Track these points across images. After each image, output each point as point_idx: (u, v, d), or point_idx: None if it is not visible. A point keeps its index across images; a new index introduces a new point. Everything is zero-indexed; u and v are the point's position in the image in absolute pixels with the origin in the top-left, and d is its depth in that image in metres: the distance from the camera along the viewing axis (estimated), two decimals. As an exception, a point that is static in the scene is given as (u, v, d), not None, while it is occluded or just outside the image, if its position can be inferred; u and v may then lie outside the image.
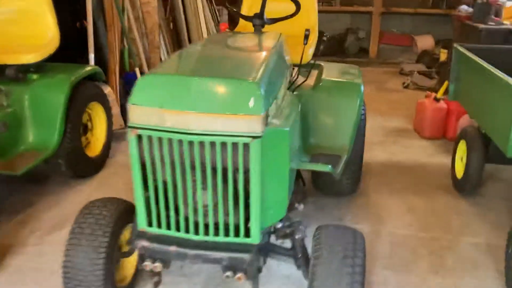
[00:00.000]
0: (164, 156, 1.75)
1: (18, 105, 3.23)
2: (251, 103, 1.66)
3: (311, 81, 3.15)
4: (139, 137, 1.77)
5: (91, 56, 4.59)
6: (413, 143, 4.49)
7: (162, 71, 1.86)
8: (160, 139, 1.73)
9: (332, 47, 8.11)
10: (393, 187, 3.62)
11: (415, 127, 4.79)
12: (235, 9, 3.15)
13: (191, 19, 5.60)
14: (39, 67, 3.49)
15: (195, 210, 1.83)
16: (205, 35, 5.69)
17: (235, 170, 1.75)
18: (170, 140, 1.71)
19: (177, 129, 1.68)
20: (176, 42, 5.68)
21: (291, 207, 2.40)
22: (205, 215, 1.82)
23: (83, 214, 2.12)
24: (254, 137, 1.67)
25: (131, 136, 1.77)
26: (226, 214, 1.83)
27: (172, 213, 1.85)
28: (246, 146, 1.69)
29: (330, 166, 2.45)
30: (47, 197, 3.37)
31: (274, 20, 2.74)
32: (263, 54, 2.07)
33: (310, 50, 3.04)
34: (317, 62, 3.46)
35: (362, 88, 3.09)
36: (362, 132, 3.29)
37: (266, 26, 2.76)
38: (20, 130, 3.21)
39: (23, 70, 3.37)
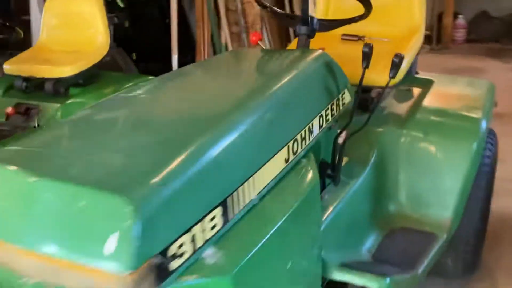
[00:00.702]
0: None
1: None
2: (110, 248, 0.80)
3: (403, 109, 2.11)
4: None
5: (174, 58, 4.06)
6: None
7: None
8: None
9: (498, 31, 6.48)
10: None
11: None
12: (274, 8, 1.89)
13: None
14: (90, 77, 3.02)
15: None
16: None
17: None
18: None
19: (5, 271, 0.91)
20: (284, 35, 4.85)
21: None
22: None
23: None
24: None
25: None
26: None
27: None
28: None
29: (388, 281, 1.44)
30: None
31: (328, 26, 1.77)
32: (233, 113, 1.14)
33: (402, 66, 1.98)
34: (428, 76, 2.38)
35: (485, 124, 1.96)
36: (486, 191, 2.14)
37: (320, 34, 1.81)
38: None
39: (68, 83, 2.93)
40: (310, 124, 1.35)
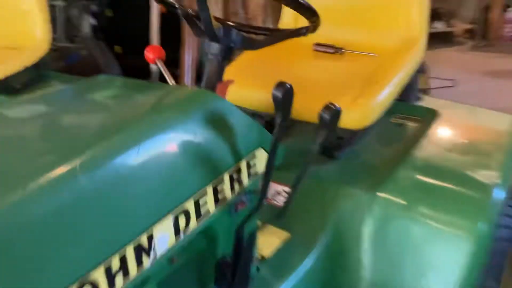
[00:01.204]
0: None
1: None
2: None
3: (383, 158, 1.47)
4: None
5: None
6: None
7: None
8: None
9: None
10: None
11: None
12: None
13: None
14: (31, 81, 2.50)
15: None
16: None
17: None
18: None
19: None
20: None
21: None
22: None
23: None
24: None
25: None
26: None
27: None
28: None
29: None
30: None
31: (252, 42, 1.13)
32: None
33: (378, 100, 1.34)
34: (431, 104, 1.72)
35: (502, 192, 1.30)
36: None
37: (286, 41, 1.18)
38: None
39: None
40: (167, 220, 0.74)
